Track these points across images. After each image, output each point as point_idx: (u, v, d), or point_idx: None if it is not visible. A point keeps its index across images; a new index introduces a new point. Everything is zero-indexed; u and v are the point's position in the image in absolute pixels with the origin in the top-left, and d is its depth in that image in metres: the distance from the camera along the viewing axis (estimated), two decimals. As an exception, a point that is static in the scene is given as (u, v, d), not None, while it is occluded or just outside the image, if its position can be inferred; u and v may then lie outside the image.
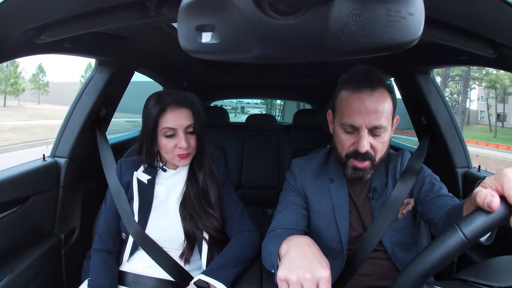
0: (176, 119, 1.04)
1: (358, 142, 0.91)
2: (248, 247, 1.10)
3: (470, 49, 0.87)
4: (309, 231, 1.08)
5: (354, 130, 0.92)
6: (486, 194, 0.52)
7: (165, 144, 1.05)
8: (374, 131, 0.90)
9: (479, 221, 0.52)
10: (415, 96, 1.52)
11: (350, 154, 0.94)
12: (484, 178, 0.62)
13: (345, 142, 0.94)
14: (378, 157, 0.94)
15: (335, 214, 1.02)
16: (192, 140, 1.07)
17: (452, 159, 1.43)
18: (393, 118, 0.96)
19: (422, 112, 1.51)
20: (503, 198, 0.51)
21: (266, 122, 2.64)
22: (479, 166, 1.43)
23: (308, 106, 4.13)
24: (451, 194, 0.95)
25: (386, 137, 0.93)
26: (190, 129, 1.07)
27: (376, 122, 0.89)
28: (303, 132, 2.44)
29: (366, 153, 0.91)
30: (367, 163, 0.94)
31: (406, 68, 1.50)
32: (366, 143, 0.90)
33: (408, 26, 0.43)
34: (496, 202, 0.50)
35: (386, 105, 0.90)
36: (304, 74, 2.39)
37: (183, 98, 1.08)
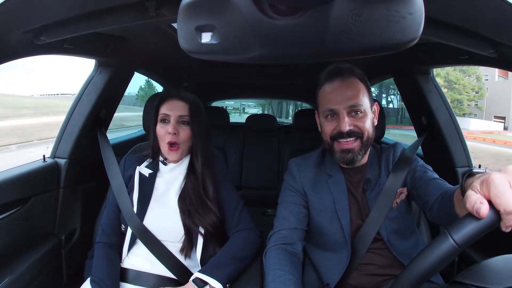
0: (172, 108, 1.14)
1: (339, 124, 0.97)
2: (245, 245, 1.11)
3: (470, 49, 0.86)
4: (311, 228, 1.10)
5: (334, 114, 0.98)
6: (476, 201, 0.51)
7: (159, 129, 1.14)
8: (353, 111, 0.97)
9: (469, 228, 0.52)
10: (415, 96, 1.52)
11: (334, 136, 1.00)
12: (471, 170, 0.62)
13: (327, 127, 1.01)
14: (365, 135, 0.99)
15: (336, 208, 1.05)
16: (183, 132, 1.13)
17: (452, 159, 1.43)
18: (372, 105, 1.02)
19: (422, 111, 1.51)
20: (491, 202, 0.51)
21: (266, 122, 2.63)
22: (479, 165, 1.43)
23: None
24: (442, 179, 0.98)
25: (368, 121, 0.99)
26: (183, 119, 1.14)
27: (352, 102, 0.96)
28: (303, 132, 2.43)
29: (351, 132, 0.97)
30: (355, 144, 0.99)
31: (406, 67, 1.49)
32: (346, 122, 0.96)
33: (408, 25, 0.43)
34: (484, 210, 0.50)
35: (359, 90, 0.98)
36: (304, 74, 2.39)
37: (185, 94, 1.17)
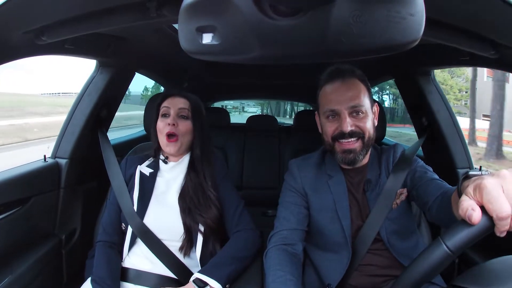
0: (173, 102, 1.18)
1: (341, 124, 0.97)
2: (244, 245, 1.12)
3: (471, 50, 0.86)
4: (312, 229, 1.11)
5: (336, 115, 0.99)
6: (468, 208, 0.51)
7: (159, 123, 1.16)
8: (354, 112, 0.98)
9: (462, 234, 0.52)
10: (416, 97, 1.52)
11: (336, 136, 1.00)
12: (467, 173, 0.62)
13: (329, 127, 1.01)
14: (367, 135, 0.99)
15: (337, 208, 1.05)
16: (182, 124, 1.16)
17: (453, 160, 1.43)
18: (372, 106, 1.03)
19: (423, 112, 1.51)
20: (484, 208, 0.51)
21: (267, 123, 2.64)
22: (480, 166, 1.43)
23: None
24: (442, 180, 0.98)
25: (369, 121, 0.99)
26: (183, 113, 1.17)
27: (353, 102, 0.97)
28: (304, 133, 2.43)
29: (353, 132, 0.97)
30: (356, 145, 0.99)
31: (407, 68, 1.49)
32: (348, 123, 0.97)
33: (409, 26, 0.42)
34: (476, 216, 0.50)
35: (360, 90, 0.99)
36: (305, 75, 2.39)
37: (186, 93, 1.23)
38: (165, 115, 1.17)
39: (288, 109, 22.43)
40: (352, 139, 0.98)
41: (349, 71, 1.01)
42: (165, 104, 1.18)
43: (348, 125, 0.97)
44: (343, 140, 0.99)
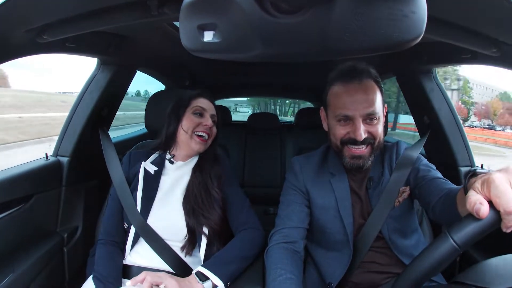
0: (208, 106, 1.20)
1: (354, 131, 0.94)
2: (250, 245, 1.11)
3: (473, 48, 0.86)
4: (313, 227, 1.10)
5: (349, 120, 0.95)
6: (475, 202, 0.51)
7: (191, 119, 1.16)
8: (368, 119, 0.94)
9: (469, 228, 0.52)
10: (417, 95, 1.51)
11: (346, 140, 0.97)
12: (474, 170, 0.62)
13: (339, 131, 0.98)
14: (377, 140, 0.97)
15: (339, 207, 1.04)
16: (213, 131, 1.20)
17: (455, 158, 1.42)
18: (383, 109, 1.00)
19: (424, 111, 1.51)
20: (492, 203, 0.51)
21: (269, 121, 2.63)
22: (482, 165, 1.42)
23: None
24: (446, 179, 0.97)
25: (380, 126, 0.97)
26: (214, 119, 1.21)
27: (369, 110, 0.93)
28: (306, 131, 2.42)
29: (364, 139, 0.95)
30: (366, 150, 0.97)
31: (409, 66, 1.49)
32: (362, 131, 0.93)
33: (411, 24, 0.42)
34: (484, 210, 0.50)
35: (376, 94, 0.95)
36: (306, 73, 2.38)
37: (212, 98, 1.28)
38: (198, 115, 1.18)
39: (278, 110, 24.50)
40: (363, 146, 0.96)
41: (365, 72, 0.96)
42: (199, 104, 1.18)
43: (362, 133, 0.93)
44: (354, 146, 0.96)
